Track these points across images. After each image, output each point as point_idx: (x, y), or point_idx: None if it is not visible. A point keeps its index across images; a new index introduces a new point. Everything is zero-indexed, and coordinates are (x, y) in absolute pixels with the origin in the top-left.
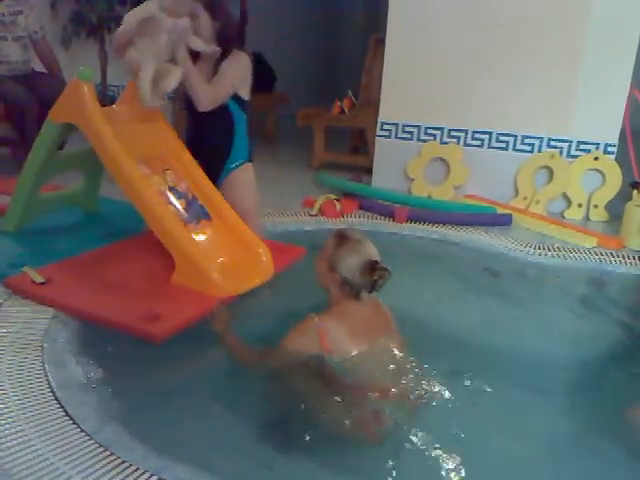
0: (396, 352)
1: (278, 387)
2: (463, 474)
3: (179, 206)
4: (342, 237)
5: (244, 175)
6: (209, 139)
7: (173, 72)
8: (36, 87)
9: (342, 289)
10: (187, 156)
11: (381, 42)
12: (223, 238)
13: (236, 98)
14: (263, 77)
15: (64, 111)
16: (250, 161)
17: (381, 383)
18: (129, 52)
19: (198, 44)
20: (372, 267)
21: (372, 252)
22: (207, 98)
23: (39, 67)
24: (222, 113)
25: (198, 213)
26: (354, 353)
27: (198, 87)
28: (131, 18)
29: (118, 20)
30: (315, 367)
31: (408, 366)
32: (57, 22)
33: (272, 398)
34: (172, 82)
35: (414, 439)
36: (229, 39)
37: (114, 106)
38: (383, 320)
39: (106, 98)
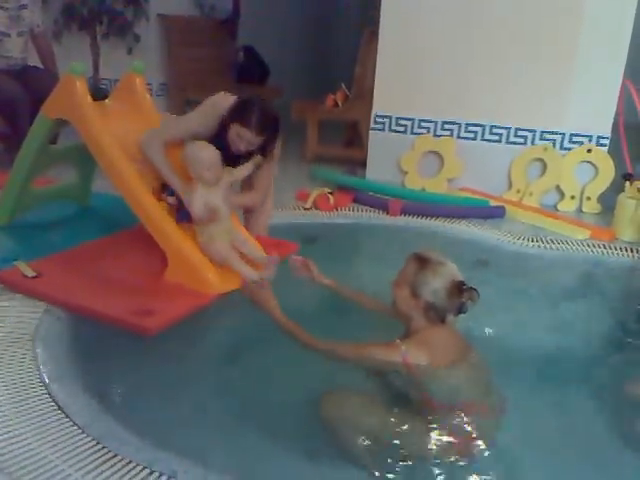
0: (479, 370)
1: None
2: None
3: (172, 202)
4: (423, 260)
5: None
6: None
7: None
8: (30, 81)
9: (427, 315)
10: (180, 152)
11: (375, 34)
12: None
13: None
14: (255, 70)
15: (56, 106)
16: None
17: (469, 401)
18: (213, 247)
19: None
20: (459, 289)
21: (456, 273)
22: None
23: (33, 61)
24: None
25: None
26: (442, 373)
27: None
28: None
29: (109, 13)
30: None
31: (489, 383)
32: (48, 15)
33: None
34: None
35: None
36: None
37: (107, 101)
38: (463, 340)
39: (98, 91)
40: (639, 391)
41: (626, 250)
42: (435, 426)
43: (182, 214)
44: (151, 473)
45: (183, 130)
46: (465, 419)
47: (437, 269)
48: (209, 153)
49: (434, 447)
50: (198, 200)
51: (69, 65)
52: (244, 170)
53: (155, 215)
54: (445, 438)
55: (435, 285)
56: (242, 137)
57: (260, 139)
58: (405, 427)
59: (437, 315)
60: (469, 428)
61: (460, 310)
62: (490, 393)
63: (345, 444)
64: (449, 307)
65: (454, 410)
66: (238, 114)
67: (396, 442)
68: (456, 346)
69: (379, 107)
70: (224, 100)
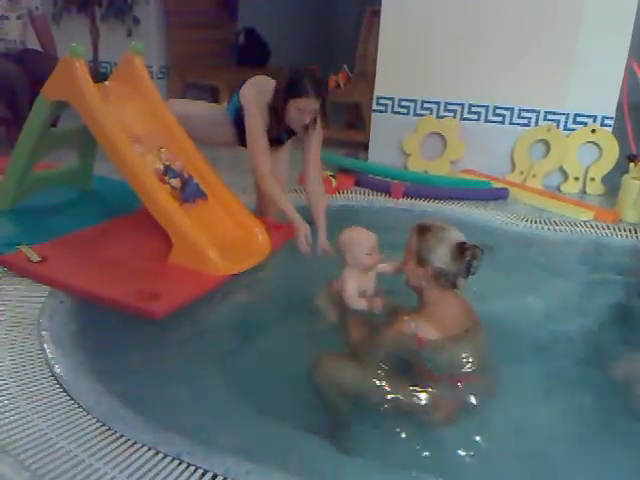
0: (483, 342)
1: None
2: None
3: (175, 185)
4: (423, 228)
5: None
6: None
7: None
8: (29, 64)
9: (437, 282)
10: (181, 134)
11: (377, 14)
12: (220, 217)
13: None
14: (257, 51)
15: (57, 88)
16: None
17: (469, 371)
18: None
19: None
20: (462, 248)
21: (457, 235)
22: None
23: (32, 44)
24: None
25: (194, 192)
26: (448, 347)
27: None
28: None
29: None
30: (403, 354)
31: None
32: None
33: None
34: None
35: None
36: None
37: (106, 83)
38: (471, 310)
39: (98, 75)
40: (627, 369)
41: (630, 231)
42: (429, 391)
43: (186, 196)
44: (156, 454)
45: (262, 138)
46: (459, 388)
47: (438, 235)
48: (369, 237)
49: (420, 408)
50: (354, 288)
51: (69, 47)
52: (387, 267)
53: (158, 197)
54: (436, 403)
55: (438, 250)
56: (304, 109)
57: (319, 101)
58: (395, 388)
59: (447, 280)
60: (460, 395)
61: (468, 271)
62: (486, 369)
63: (333, 404)
64: (457, 270)
65: (452, 379)
66: (292, 89)
67: (383, 402)
68: (465, 317)
69: (381, 88)
70: (265, 84)
